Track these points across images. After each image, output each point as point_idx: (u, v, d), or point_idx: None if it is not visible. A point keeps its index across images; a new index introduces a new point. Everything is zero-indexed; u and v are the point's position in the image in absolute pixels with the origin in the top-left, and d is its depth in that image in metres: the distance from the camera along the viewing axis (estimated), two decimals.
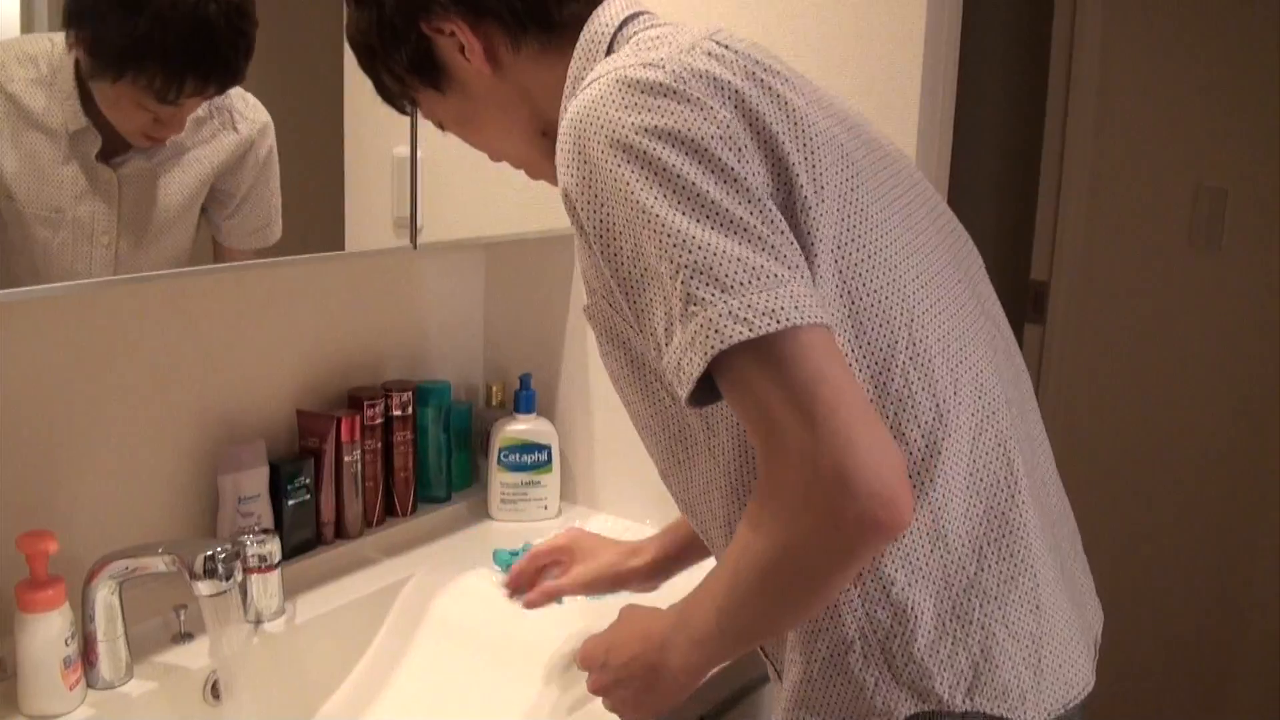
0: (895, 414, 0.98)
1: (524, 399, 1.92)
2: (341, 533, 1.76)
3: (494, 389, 2.01)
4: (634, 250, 0.93)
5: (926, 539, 0.98)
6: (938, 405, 0.99)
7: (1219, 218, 2.65)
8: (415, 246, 1.69)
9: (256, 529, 1.55)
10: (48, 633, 1.27)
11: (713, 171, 0.91)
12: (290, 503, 1.67)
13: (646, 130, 0.92)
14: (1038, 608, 1.01)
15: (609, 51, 1.07)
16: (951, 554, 0.99)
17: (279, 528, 1.65)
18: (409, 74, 1.16)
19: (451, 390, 1.94)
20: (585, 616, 1.59)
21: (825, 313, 0.90)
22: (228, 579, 1.28)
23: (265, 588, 1.52)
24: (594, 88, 0.96)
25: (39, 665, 1.28)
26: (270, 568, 1.52)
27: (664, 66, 0.95)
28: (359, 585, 1.67)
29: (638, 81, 0.94)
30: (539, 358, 2.01)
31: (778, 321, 0.87)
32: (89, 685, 1.35)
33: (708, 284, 0.88)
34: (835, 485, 0.85)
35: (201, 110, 1.41)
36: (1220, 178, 2.65)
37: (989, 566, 1.00)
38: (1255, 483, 2.67)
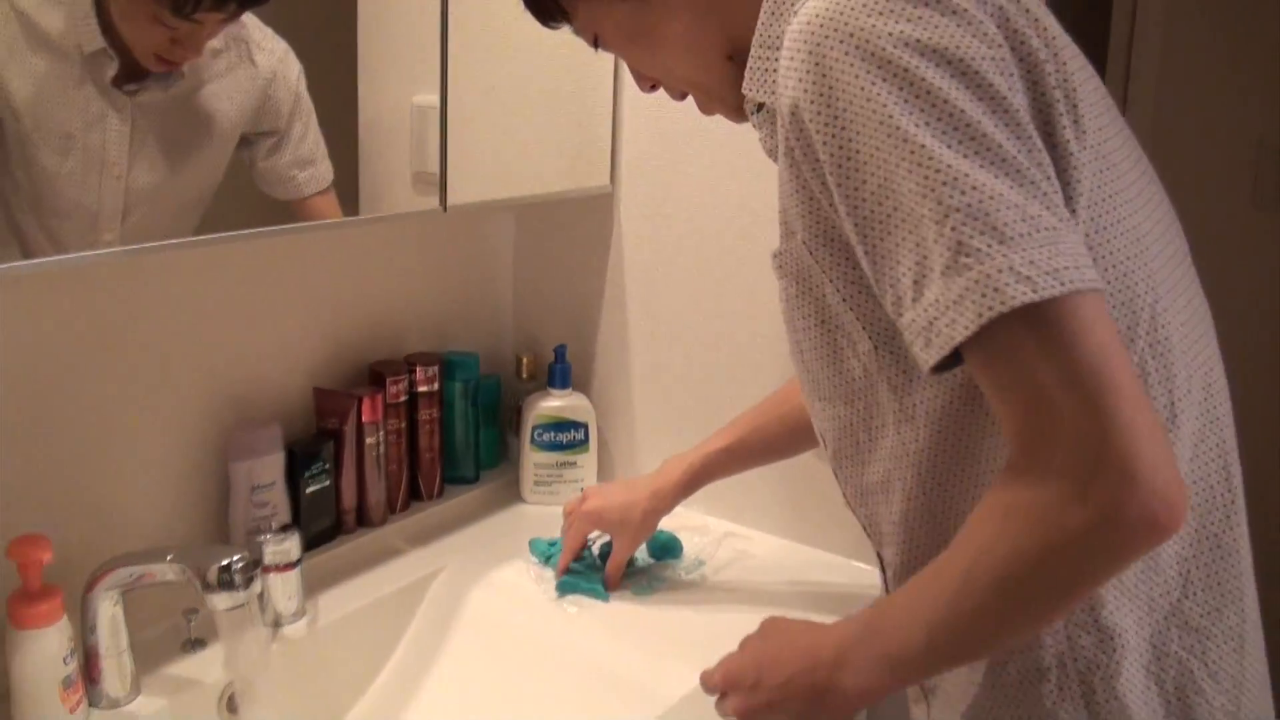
0: None
1: (559, 373, 1.77)
2: (364, 520, 1.62)
3: (525, 361, 1.86)
4: (882, 184, 0.79)
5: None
6: (1172, 401, 0.87)
7: None
8: (445, 209, 1.53)
9: (273, 524, 1.41)
10: (44, 651, 1.13)
11: (984, 98, 0.78)
12: (308, 490, 1.52)
13: (906, 42, 0.78)
14: (1241, 647, 0.88)
15: None
16: (1159, 575, 0.87)
17: (296, 517, 1.51)
18: None
19: (479, 362, 1.79)
20: (630, 616, 1.46)
21: (1091, 267, 0.77)
22: (246, 588, 1.13)
23: (284, 588, 1.38)
24: None
25: (35, 687, 1.14)
26: (289, 566, 1.38)
27: None
28: (384, 580, 1.53)
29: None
30: (574, 327, 1.85)
31: (1062, 284, 0.74)
32: (92, 705, 1.21)
33: (984, 232, 0.75)
34: (1121, 478, 0.73)
35: (218, 41, 1.29)
36: None
37: (1194, 594, 0.88)
38: None
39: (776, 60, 0.93)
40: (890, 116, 0.77)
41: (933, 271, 0.77)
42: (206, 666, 1.30)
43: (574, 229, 1.83)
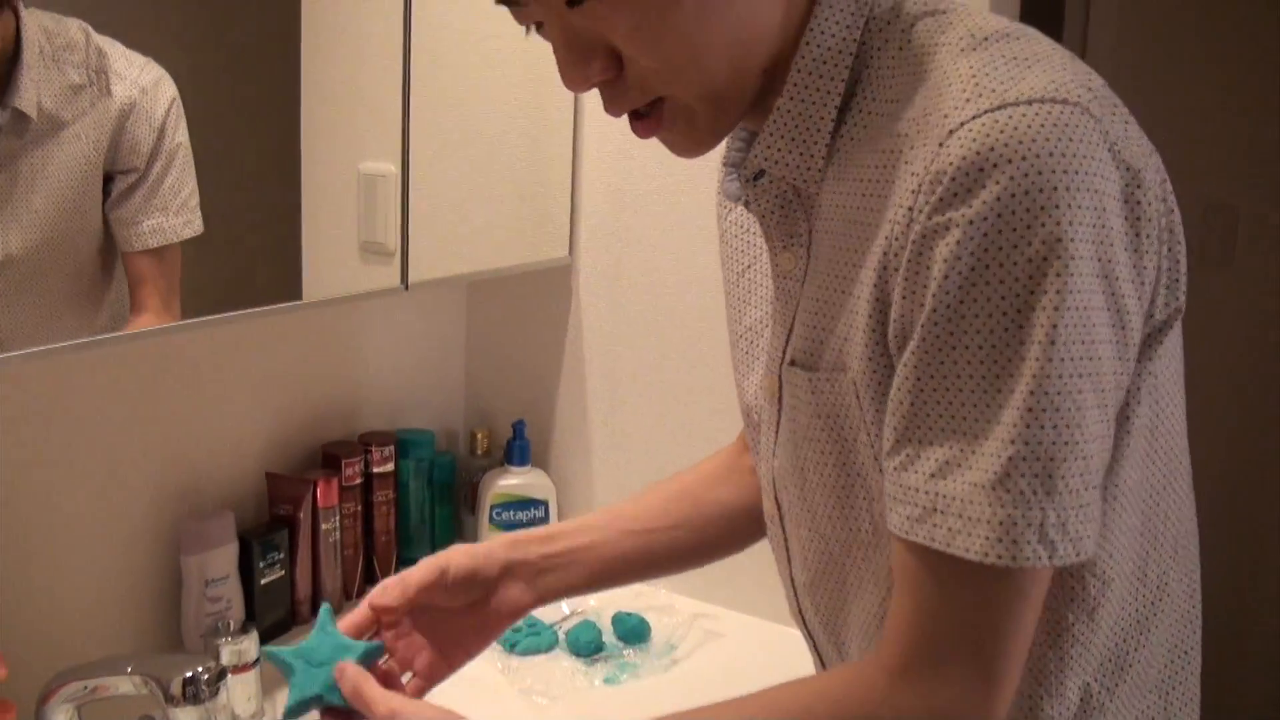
0: (1152, 549, 0.83)
1: (518, 449, 1.72)
2: (318, 609, 1.55)
3: (479, 436, 1.80)
4: (975, 363, 0.72)
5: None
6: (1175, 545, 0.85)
7: (1230, 234, 2.57)
8: (406, 287, 1.48)
9: (228, 620, 1.34)
10: None
11: (1118, 324, 0.73)
12: (263, 582, 1.46)
13: (1128, 247, 0.72)
14: None
15: (870, 15, 0.80)
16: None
17: (249, 611, 1.44)
18: None
19: (434, 440, 1.74)
20: (601, 707, 1.40)
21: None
22: (212, 699, 1.07)
23: (243, 690, 1.31)
24: (1078, 123, 0.70)
25: None
26: (248, 666, 1.31)
27: (1134, 142, 0.74)
28: None
29: (1132, 166, 0.73)
30: (531, 402, 1.81)
31: (1077, 553, 0.72)
32: None
33: (1038, 476, 0.71)
34: None
35: (78, 76, 1.18)
36: (1229, 194, 2.56)
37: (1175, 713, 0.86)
38: (1262, 500, 2.64)
39: (823, 128, 0.80)
40: (1046, 316, 0.70)
41: (966, 470, 0.72)
42: None
43: (530, 300, 1.79)
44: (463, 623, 1.01)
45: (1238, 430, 2.63)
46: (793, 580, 0.97)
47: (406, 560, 1.70)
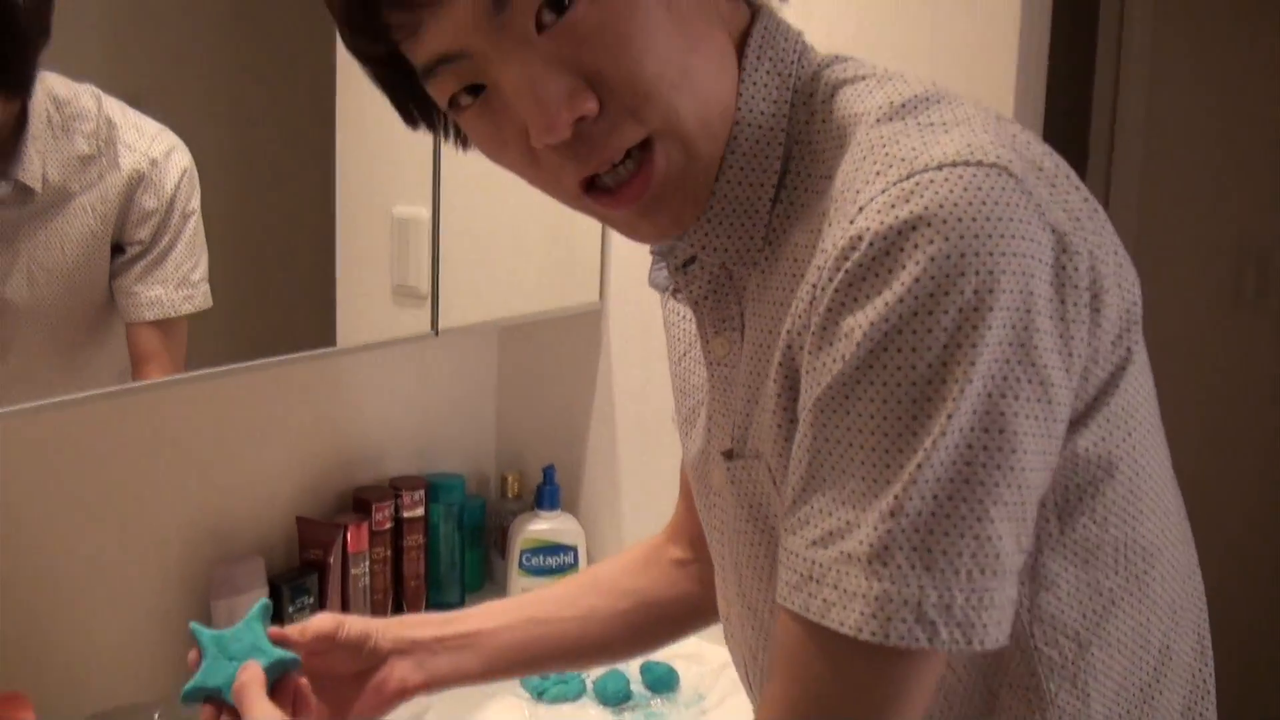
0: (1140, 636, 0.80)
1: (547, 494, 1.72)
2: None
3: (510, 480, 1.80)
4: (869, 434, 0.68)
5: None
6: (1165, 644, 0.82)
7: (1265, 276, 2.56)
8: (437, 333, 1.49)
9: None
10: None
11: (1041, 397, 0.68)
12: None
13: (1054, 314, 0.68)
14: None
15: (794, 89, 0.78)
16: None
17: None
18: None
19: (465, 484, 1.74)
20: None
21: (1009, 625, 0.70)
22: None
23: None
24: (995, 185, 0.66)
25: None
26: None
27: (1059, 204, 0.70)
28: None
29: (1058, 230, 0.68)
30: (561, 446, 1.81)
31: (969, 640, 0.67)
32: None
33: (917, 554, 0.66)
34: None
35: (88, 147, 1.17)
36: (1262, 234, 2.55)
37: None
38: None
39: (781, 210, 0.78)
40: (1006, 399, 0.67)
41: (847, 539, 0.68)
42: None
43: (560, 345, 1.79)
44: (351, 690, 0.99)
45: (1271, 472, 2.60)
46: (742, 660, 0.95)
47: (436, 605, 1.70)
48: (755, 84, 0.76)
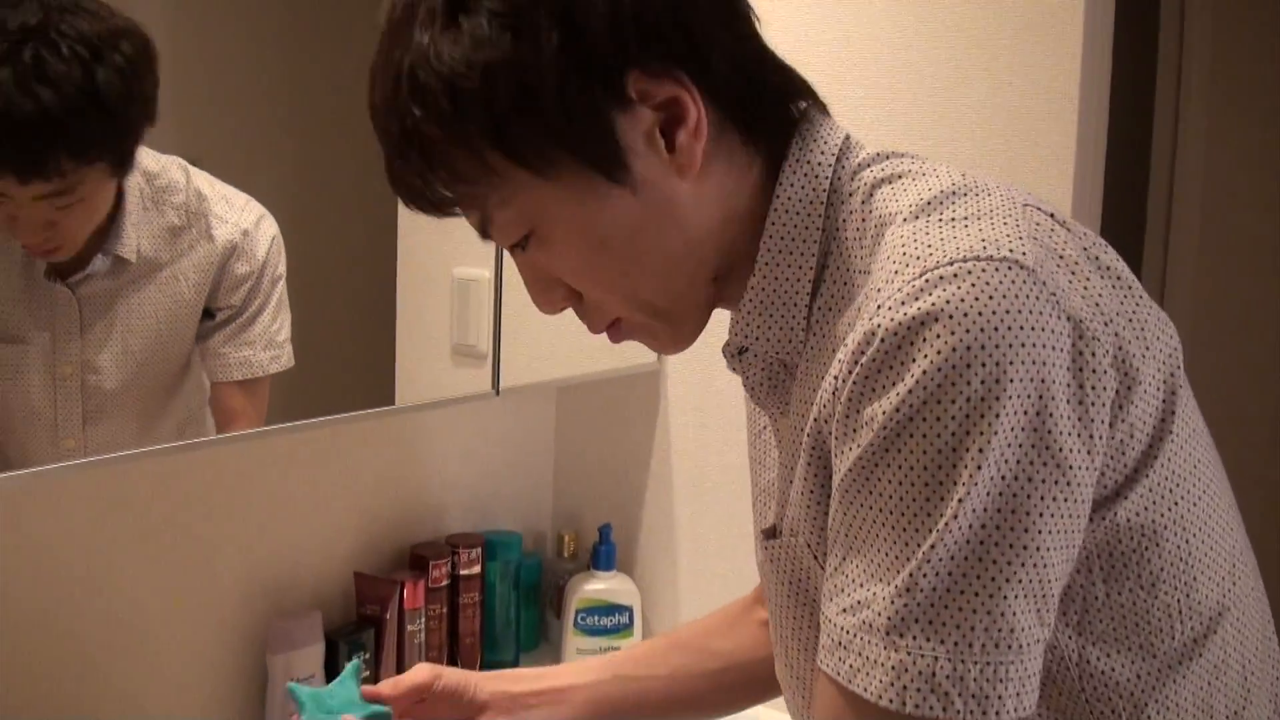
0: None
1: (604, 554, 1.72)
2: None
3: (566, 540, 1.80)
4: (889, 514, 0.72)
5: None
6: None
7: None
8: (498, 392, 1.50)
9: None
10: None
11: (1059, 479, 0.71)
12: None
13: (1072, 399, 0.71)
14: None
15: (831, 189, 0.83)
16: None
17: None
18: (570, 147, 0.77)
19: (522, 542, 1.74)
20: None
21: (1035, 695, 0.73)
22: None
23: None
24: (1004, 277, 0.70)
25: None
26: None
27: (1078, 291, 0.73)
28: None
29: (1075, 316, 0.71)
30: (617, 506, 1.81)
31: (984, 712, 0.70)
32: None
33: (927, 628, 0.70)
34: None
35: (178, 219, 1.22)
36: None
37: None
38: None
39: (793, 310, 0.83)
40: (1024, 480, 0.70)
41: (870, 610, 0.73)
42: None
43: (619, 406, 1.79)
44: None
45: None
46: None
47: (491, 664, 1.70)
48: (787, 188, 0.82)
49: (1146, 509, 0.76)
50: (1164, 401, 0.77)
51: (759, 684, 1.13)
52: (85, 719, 1.24)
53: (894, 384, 0.70)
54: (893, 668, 0.71)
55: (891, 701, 0.70)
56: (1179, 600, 0.78)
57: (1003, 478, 0.69)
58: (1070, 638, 0.78)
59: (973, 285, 0.69)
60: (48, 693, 1.21)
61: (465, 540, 1.64)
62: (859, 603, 0.73)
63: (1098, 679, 0.79)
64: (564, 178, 0.77)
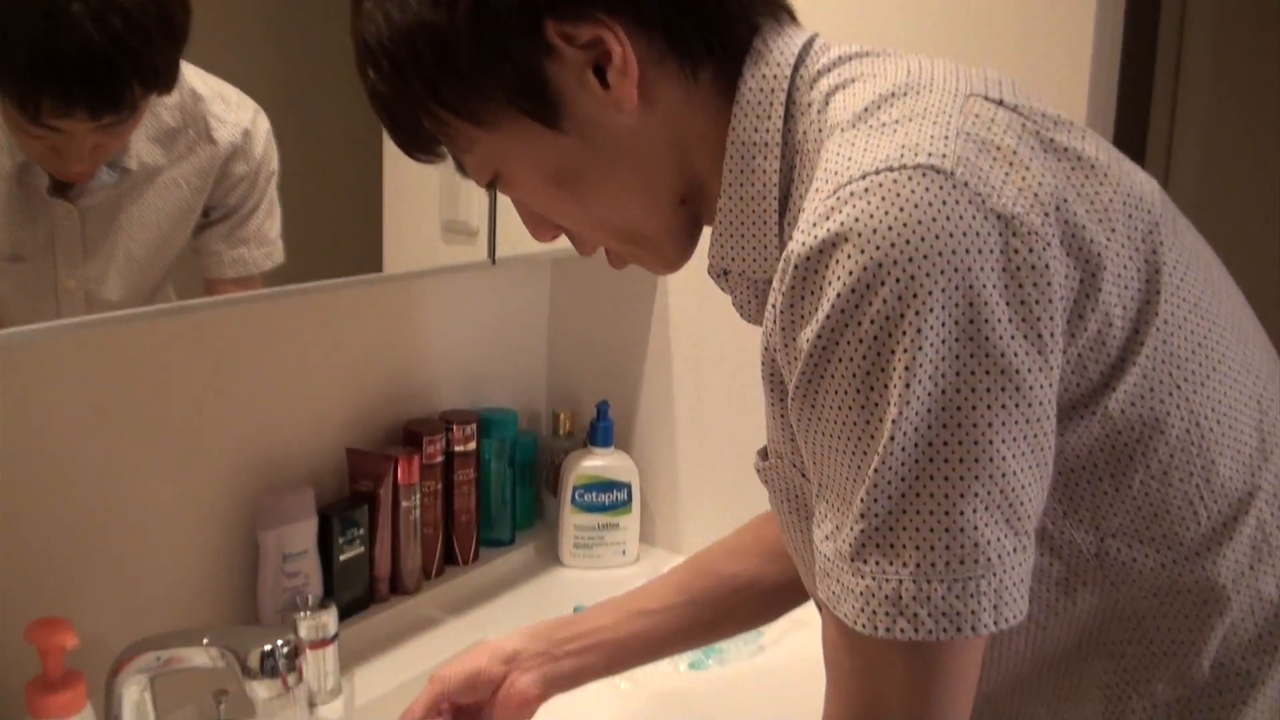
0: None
1: (601, 431, 1.68)
2: (397, 588, 1.53)
3: (562, 417, 1.77)
4: (835, 440, 0.71)
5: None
6: None
7: None
8: (494, 261, 1.45)
9: (305, 595, 1.31)
10: None
11: (1005, 386, 0.68)
12: (342, 558, 1.43)
13: (1011, 300, 0.68)
14: None
15: (789, 100, 0.80)
16: None
17: (328, 587, 1.41)
18: (501, 99, 0.79)
19: (517, 420, 1.70)
20: (684, 693, 1.36)
21: (1022, 603, 0.72)
22: (291, 674, 1.04)
23: (320, 666, 1.28)
24: (917, 186, 0.67)
25: None
26: (326, 642, 1.28)
27: (1014, 184, 0.69)
28: (423, 653, 1.43)
29: (1005, 214, 0.68)
30: (613, 383, 1.77)
31: (959, 628, 0.70)
32: None
33: (881, 551, 0.70)
34: None
35: (173, 120, 1.18)
36: None
37: None
38: None
39: (766, 227, 0.81)
40: (974, 396, 0.67)
41: (838, 538, 0.72)
42: None
43: (615, 280, 1.74)
44: (483, 715, 1.10)
45: None
46: None
47: (486, 541, 1.67)
48: (743, 105, 0.80)
49: (1143, 397, 0.74)
50: (1146, 281, 0.74)
51: (779, 599, 1.15)
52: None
53: (814, 311, 0.69)
54: (860, 594, 0.71)
55: (864, 626, 0.71)
56: (1197, 487, 0.76)
57: (943, 392, 0.67)
58: (1085, 534, 0.76)
59: (881, 200, 0.67)
60: (32, 569, 1.17)
61: (460, 417, 1.60)
62: (835, 529, 0.73)
63: (1120, 570, 0.78)
64: (506, 127, 0.80)
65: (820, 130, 0.77)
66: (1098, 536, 0.76)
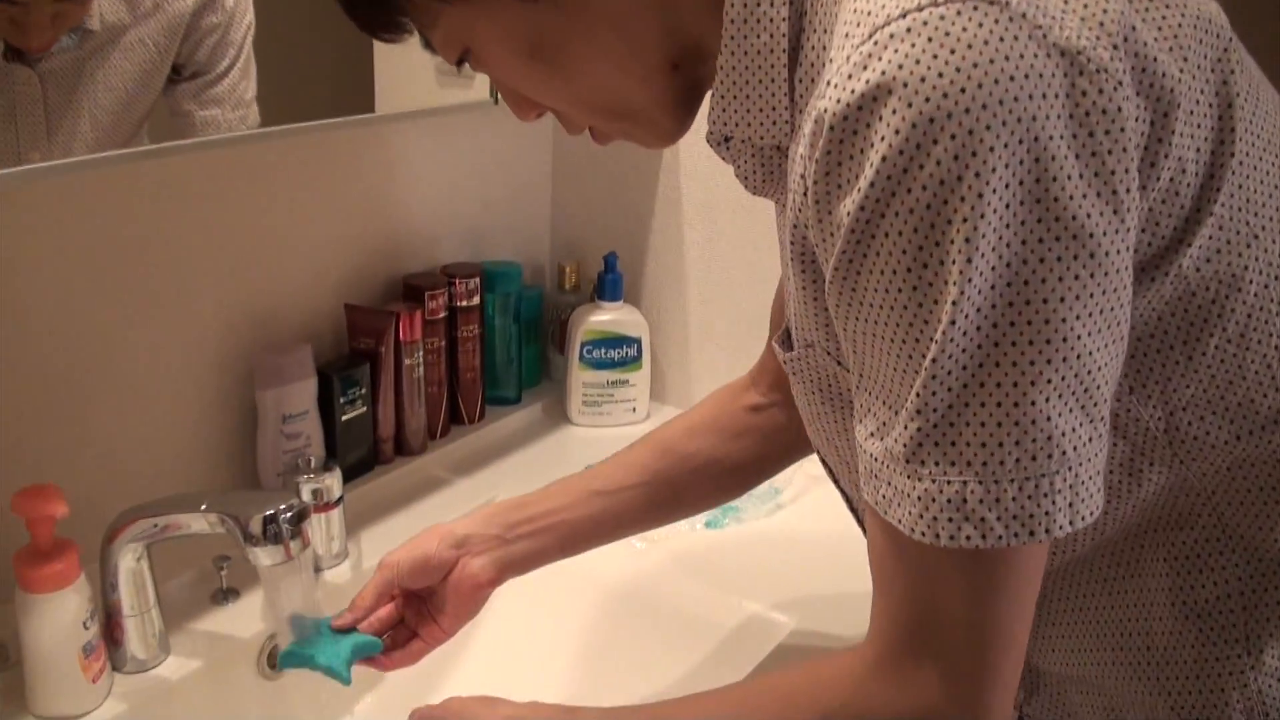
0: None
1: (610, 284, 1.61)
2: (402, 449, 1.47)
3: (567, 270, 1.70)
4: (884, 327, 0.63)
5: None
6: None
7: None
8: (496, 101, 1.36)
9: (307, 457, 1.25)
10: (60, 617, 0.98)
11: (1077, 253, 0.60)
12: (344, 418, 1.37)
13: (1082, 152, 0.59)
14: None
15: None
16: None
17: (330, 448, 1.36)
18: None
19: (521, 273, 1.63)
20: (700, 551, 1.32)
21: (1099, 496, 0.65)
22: (294, 540, 0.98)
23: (325, 529, 1.23)
24: (969, 21, 0.57)
25: (51, 657, 0.99)
26: (331, 505, 1.23)
27: (1076, 11, 0.59)
28: (430, 515, 1.38)
29: (1070, 48, 0.58)
30: (620, 234, 1.69)
31: (1032, 532, 0.63)
32: (115, 668, 1.07)
33: (942, 450, 0.62)
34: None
35: None
36: None
37: None
38: None
39: (773, 88, 0.72)
40: (1040, 258, 0.59)
41: (888, 436, 0.65)
42: (243, 620, 1.16)
43: None
44: (437, 603, 1.04)
45: None
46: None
47: (491, 400, 1.61)
48: None
49: (1219, 251, 0.66)
50: (1219, 118, 0.65)
51: (737, 478, 1.10)
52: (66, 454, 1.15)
53: (856, 177, 0.60)
54: (918, 499, 0.63)
55: (924, 535, 0.64)
56: (1276, 348, 0.69)
57: (1008, 265, 0.59)
58: (1154, 409, 0.69)
59: (929, 40, 0.57)
60: (15, 436, 1.11)
61: (462, 270, 1.52)
62: (882, 425, 0.65)
63: (1190, 445, 0.70)
64: None
65: None
66: (1167, 410, 0.70)
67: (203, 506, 0.99)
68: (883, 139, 0.58)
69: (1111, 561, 0.78)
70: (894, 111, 0.57)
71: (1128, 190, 0.60)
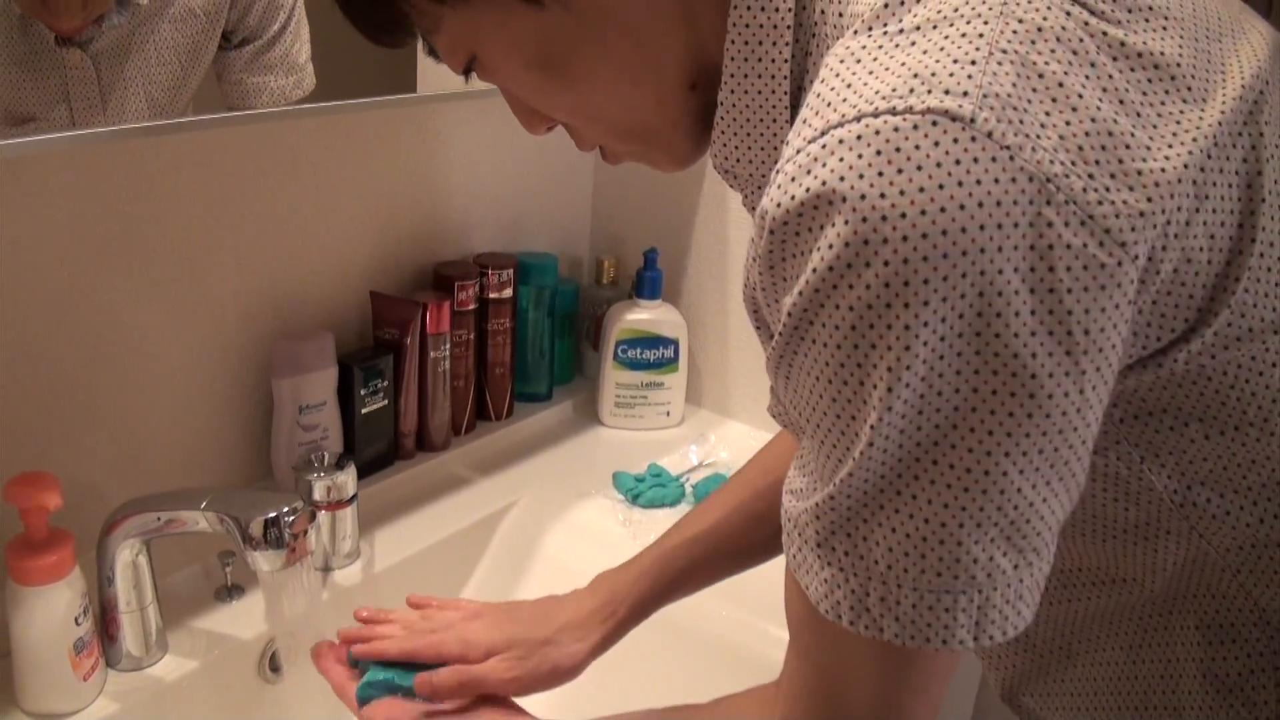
0: None
1: (649, 281, 1.55)
2: (425, 444, 1.42)
3: (606, 265, 1.64)
4: (816, 412, 0.59)
5: None
6: None
7: None
8: None
9: (323, 450, 1.21)
10: (51, 612, 0.94)
11: (1017, 391, 0.54)
12: (364, 411, 1.32)
13: (1038, 287, 0.52)
14: None
15: None
16: None
17: (348, 442, 1.31)
18: None
19: (557, 266, 1.57)
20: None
21: (1017, 618, 0.60)
22: (296, 545, 0.93)
23: (336, 527, 1.18)
24: (924, 139, 0.52)
25: (41, 653, 0.94)
26: (344, 503, 1.18)
27: (1055, 127, 0.54)
28: (449, 516, 1.33)
29: (1039, 174, 0.52)
30: (662, 229, 1.63)
31: (928, 640, 0.59)
32: (109, 665, 1.02)
33: (847, 552, 0.59)
34: None
35: None
36: None
37: None
38: None
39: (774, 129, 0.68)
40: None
41: (807, 508, 0.61)
42: (245, 619, 1.11)
43: None
44: None
45: None
46: None
47: (521, 396, 1.56)
48: None
49: (1239, 340, 0.60)
50: (1239, 200, 0.58)
51: None
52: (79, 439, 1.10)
53: (797, 276, 0.56)
54: (825, 580, 0.61)
55: (828, 612, 0.61)
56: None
57: (939, 394, 0.54)
58: (1168, 481, 0.64)
59: (877, 154, 0.52)
60: (16, 421, 1.06)
61: (495, 261, 1.47)
62: (806, 490, 0.62)
63: (1209, 520, 0.65)
64: (477, 2, 0.68)
65: (839, 17, 0.62)
66: (1183, 484, 0.64)
67: (203, 504, 0.94)
68: (818, 249, 0.54)
69: (1139, 627, 0.73)
70: (832, 225, 0.53)
71: (1086, 332, 0.54)
